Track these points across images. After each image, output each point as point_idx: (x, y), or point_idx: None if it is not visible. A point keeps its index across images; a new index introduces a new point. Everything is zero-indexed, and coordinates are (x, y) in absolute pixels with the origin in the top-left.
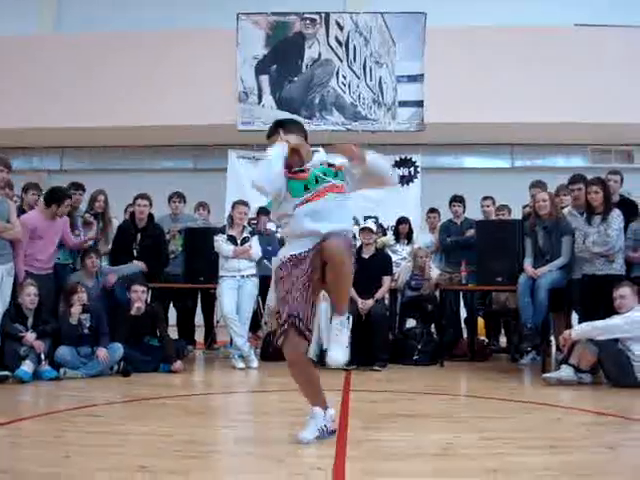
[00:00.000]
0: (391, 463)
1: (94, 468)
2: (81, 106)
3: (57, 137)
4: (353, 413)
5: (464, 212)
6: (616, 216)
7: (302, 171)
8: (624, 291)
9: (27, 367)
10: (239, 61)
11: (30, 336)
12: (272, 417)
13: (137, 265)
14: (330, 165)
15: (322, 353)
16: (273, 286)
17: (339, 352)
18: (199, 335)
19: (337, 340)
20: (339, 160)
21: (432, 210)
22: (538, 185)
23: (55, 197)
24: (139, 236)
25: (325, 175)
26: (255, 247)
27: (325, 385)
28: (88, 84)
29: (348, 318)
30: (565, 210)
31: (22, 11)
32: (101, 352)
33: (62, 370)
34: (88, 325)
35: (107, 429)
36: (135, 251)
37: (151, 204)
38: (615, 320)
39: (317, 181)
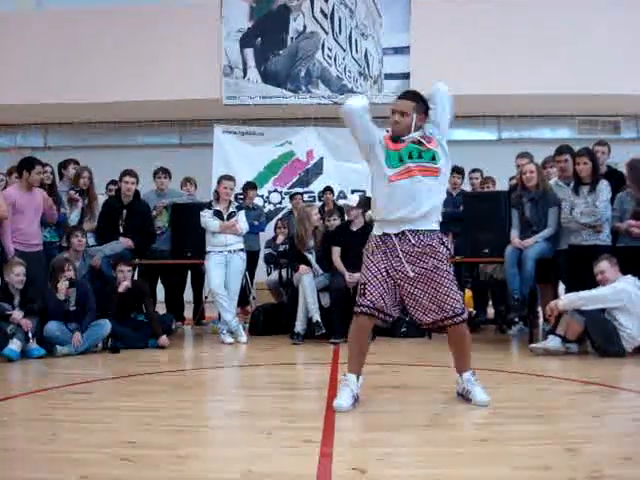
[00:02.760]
0: (380, 434)
1: (82, 444)
2: (64, 82)
3: (40, 114)
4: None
5: (462, 184)
6: (604, 187)
7: (401, 141)
8: (603, 266)
9: (15, 345)
10: (223, 35)
11: (17, 314)
12: (261, 391)
13: (122, 243)
14: (422, 143)
15: (310, 324)
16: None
17: (482, 394)
18: (189, 311)
19: (474, 388)
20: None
21: None
22: (525, 156)
23: (24, 164)
24: (125, 213)
25: (420, 157)
26: (242, 222)
27: (314, 359)
28: (71, 60)
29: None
30: (551, 181)
31: None
32: (76, 337)
33: (58, 348)
34: (74, 301)
35: (95, 406)
36: (121, 227)
37: (138, 181)
38: (601, 290)
39: (410, 156)
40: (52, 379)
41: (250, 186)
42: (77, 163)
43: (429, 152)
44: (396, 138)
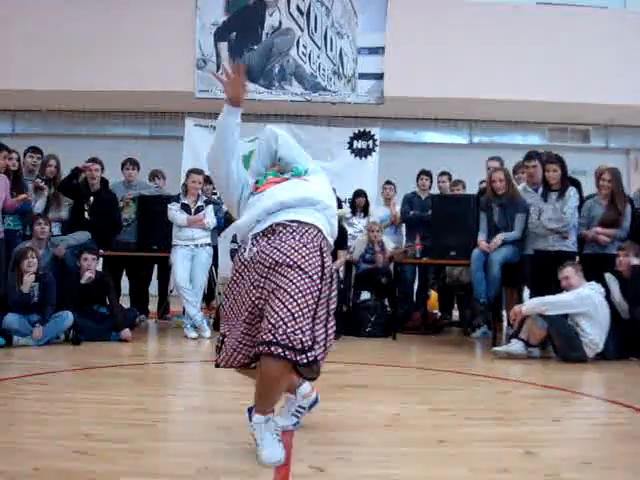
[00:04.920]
0: (339, 433)
1: (38, 436)
2: (33, 68)
3: (8, 100)
4: None
5: (430, 187)
6: (572, 194)
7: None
8: (567, 272)
9: None
10: (197, 27)
11: None
12: (222, 386)
13: (86, 233)
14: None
15: None
16: None
17: (271, 448)
18: (154, 305)
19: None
20: None
21: (388, 182)
22: (496, 159)
23: None
24: (92, 199)
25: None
26: (209, 216)
27: None
28: (41, 46)
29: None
30: (520, 187)
31: None
32: (36, 332)
33: (15, 338)
34: (37, 294)
35: (54, 397)
36: (87, 214)
37: (103, 168)
38: (564, 296)
39: None
40: (10, 369)
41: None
42: (37, 151)
43: None
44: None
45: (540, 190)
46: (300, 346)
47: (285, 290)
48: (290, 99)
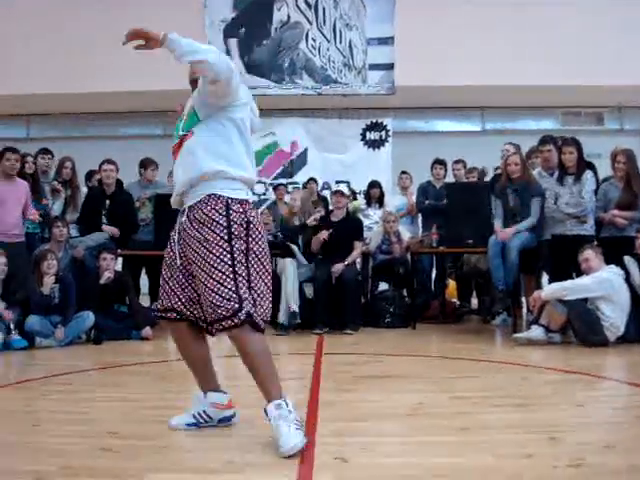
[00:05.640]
0: (362, 424)
1: (64, 435)
2: (46, 73)
3: (23, 105)
4: (325, 376)
5: (445, 176)
6: (589, 177)
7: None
8: (588, 254)
9: None
10: (206, 24)
11: None
12: (244, 381)
13: (104, 234)
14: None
15: (291, 316)
16: None
17: (289, 438)
18: None
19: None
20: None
21: (403, 172)
22: (511, 144)
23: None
24: (107, 202)
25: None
26: None
27: (298, 349)
28: (53, 51)
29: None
30: (535, 172)
31: None
32: (58, 333)
33: (38, 339)
34: (57, 295)
35: (78, 397)
36: (104, 217)
37: (117, 169)
38: (584, 280)
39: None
40: (34, 370)
41: None
42: (48, 152)
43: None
44: None
45: (556, 174)
46: (230, 312)
47: (201, 269)
48: (301, 93)
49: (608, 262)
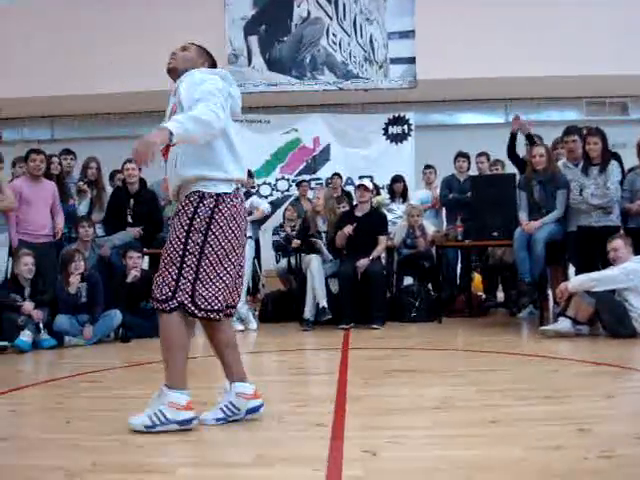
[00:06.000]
0: (390, 417)
1: (96, 432)
2: (68, 73)
3: (46, 106)
4: (352, 370)
5: (468, 169)
6: (615, 168)
7: None
8: (617, 244)
9: (26, 337)
10: (227, 22)
11: (28, 305)
12: (271, 377)
13: (129, 233)
14: None
15: (321, 312)
16: None
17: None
18: None
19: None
20: None
21: (428, 166)
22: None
23: (24, 157)
24: (132, 202)
25: None
26: (262, 204)
27: (324, 344)
28: (74, 51)
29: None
30: (560, 162)
31: None
32: (86, 332)
33: (66, 338)
34: (85, 294)
35: (108, 394)
36: (129, 217)
37: (141, 168)
38: (611, 271)
39: None
40: (63, 369)
41: (250, 173)
42: (70, 153)
43: None
44: None
45: (580, 165)
46: (162, 297)
47: (163, 250)
48: (323, 88)
49: (635, 253)
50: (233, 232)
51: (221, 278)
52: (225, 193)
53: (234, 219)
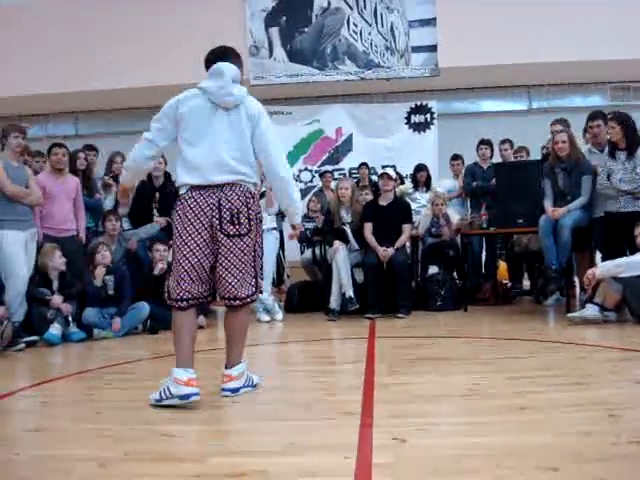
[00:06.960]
0: (419, 405)
1: (125, 422)
2: (92, 69)
3: (70, 102)
4: (379, 359)
5: (491, 156)
6: None
7: None
8: None
9: (55, 330)
10: (248, 15)
11: (57, 299)
12: (298, 366)
13: (155, 226)
14: None
15: (343, 300)
16: None
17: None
18: None
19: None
20: None
21: (455, 157)
22: (559, 122)
23: (47, 151)
24: (157, 195)
25: None
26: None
27: (350, 334)
28: (96, 46)
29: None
30: (584, 148)
31: None
32: (115, 325)
33: (95, 331)
34: (112, 287)
35: (137, 385)
36: (155, 210)
37: (165, 162)
38: (638, 256)
39: None
40: (93, 361)
41: None
42: (92, 149)
43: None
44: None
45: (606, 150)
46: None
47: None
48: (344, 79)
49: None
50: (184, 228)
51: (185, 269)
52: (182, 194)
53: (185, 215)
